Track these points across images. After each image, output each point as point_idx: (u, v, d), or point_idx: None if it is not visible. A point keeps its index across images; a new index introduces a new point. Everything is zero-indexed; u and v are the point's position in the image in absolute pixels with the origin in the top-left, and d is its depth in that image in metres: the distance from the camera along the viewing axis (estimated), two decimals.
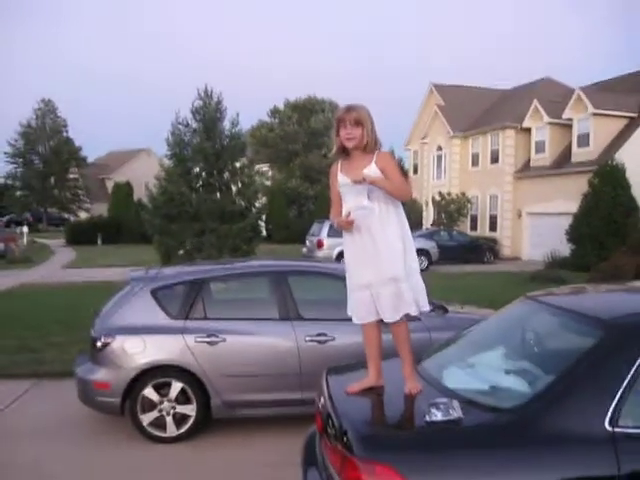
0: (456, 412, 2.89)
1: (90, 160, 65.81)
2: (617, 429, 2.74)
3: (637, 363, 2.84)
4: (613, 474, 2.68)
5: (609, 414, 2.76)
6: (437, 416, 2.88)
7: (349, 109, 3.67)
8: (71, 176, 61.35)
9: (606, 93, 28.71)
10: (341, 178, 3.75)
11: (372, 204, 3.63)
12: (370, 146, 3.68)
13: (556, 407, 2.82)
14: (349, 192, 3.72)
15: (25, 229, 39.54)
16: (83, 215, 57.69)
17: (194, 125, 18.78)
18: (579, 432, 2.76)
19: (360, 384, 3.57)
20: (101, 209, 52.77)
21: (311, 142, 53.46)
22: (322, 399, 3.67)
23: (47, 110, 60.97)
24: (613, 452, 2.70)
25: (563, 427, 2.77)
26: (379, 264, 3.60)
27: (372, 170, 3.62)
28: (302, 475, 3.70)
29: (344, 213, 3.72)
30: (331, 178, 3.86)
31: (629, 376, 2.82)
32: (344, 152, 3.76)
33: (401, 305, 3.62)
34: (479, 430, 2.87)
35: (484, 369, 3.41)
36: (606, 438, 2.73)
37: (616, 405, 2.77)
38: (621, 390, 2.80)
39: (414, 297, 3.68)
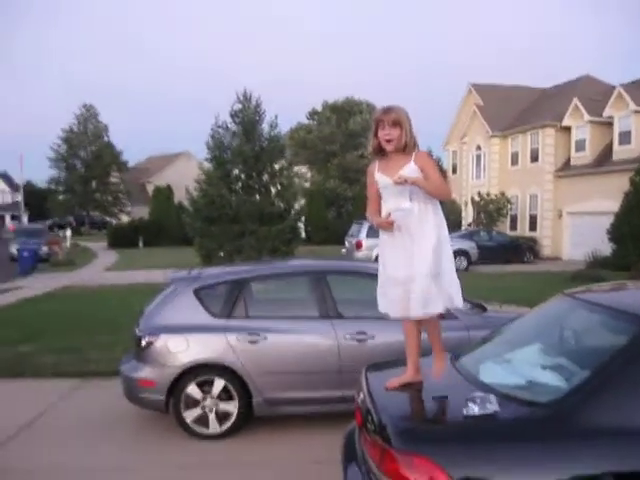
0: (493, 406, 2.95)
1: (131, 164, 66.98)
2: None
3: None
4: None
5: None
6: (474, 410, 2.95)
7: (388, 110, 3.72)
8: (112, 180, 62.44)
9: None
10: (380, 177, 3.81)
11: (412, 205, 3.69)
12: (409, 147, 3.72)
13: (592, 402, 2.86)
14: (389, 192, 3.79)
15: (68, 232, 40.37)
16: (124, 218, 58.64)
17: (233, 128, 19.09)
18: (615, 427, 2.80)
19: (399, 379, 3.66)
20: (142, 212, 53.56)
21: (349, 143, 53.63)
22: (362, 395, 3.76)
23: (89, 115, 62.18)
24: None
25: (599, 422, 2.81)
26: (413, 261, 3.67)
27: (411, 169, 3.68)
28: (343, 470, 3.79)
29: (384, 214, 3.79)
30: (368, 177, 3.92)
31: None
32: (381, 152, 3.80)
33: (429, 303, 3.68)
34: (515, 424, 2.93)
35: (521, 364, 3.45)
36: None
37: None
38: None
39: (445, 295, 3.75)
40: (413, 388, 3.61)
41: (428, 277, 3.65)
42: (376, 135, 3.75)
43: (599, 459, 2.76)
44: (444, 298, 3.73)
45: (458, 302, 3.82)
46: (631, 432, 2.79)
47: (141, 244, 41.08)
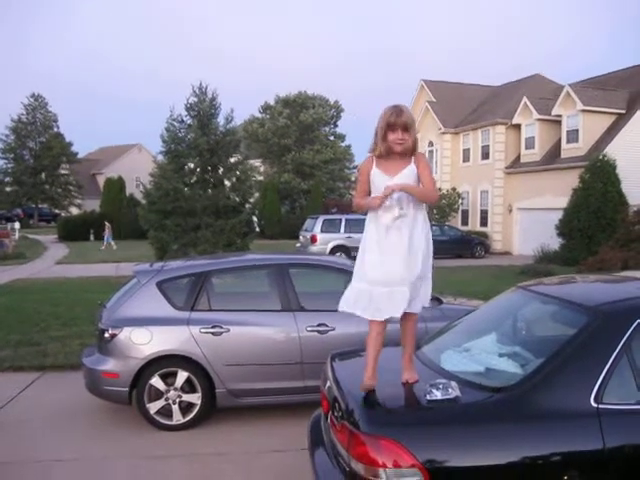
0: (454, 391, 3.15)
1: (81, 155, 65.74)
2: (602, 405, 3.00)
3: (619, 345, 3.11)
4: (598, 447, 2.94)
5: (594, 392, 3.02)
6: (437, 395, 3.14)
7: (400, 113, 3.63)
8: (62, 171, 61.20)
9: (595, 90, 29.03)
10: (378, 176, 3.72)
11: (407, 210, 3.69)
12: (413, 149, 3.72)
13: (545, 386, 3.07)
14: (382, 187, 3.70)
15: (17, 225, 39.60)
16: (75, 211, 57.66)
17: (189, 121, 18.96)
18: (567, 408, 3.02)
19: (363, 386, 3.53)
20: (93, 204, 52.76)
21: (303, 137, 53.77)
22: (328, 382, 3.92)
23: (37, 105, 60.83)
24: (598, 427, 2.96)
25: (552, 404, 3.03)
26: (406, 264, 3.65)
27: (411, 171, 3.68)
28: (310, 455, 3.94)
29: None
30: (361, 175, 3.83)
31: (612, 357, 3.09)
32: (387, 155, 3.71)
33: (414, 303, 3.74)
34: (475, 407, 3.12)
35: (479, 353, 3.66)
36: (592, 414, 2.98)
37: (601, 383, 3.03)
38: (605, 370, 3.06)
39: (426, 296, 3.87)
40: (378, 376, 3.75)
41: (419, 279, 3.72)
42: (385, 137, 3.64)
43: (553, 439, 2.97)
44: (425, 298, 3.85)
45: (428, 300, 3.93)
46: (580, 414, 3.01)
47: (92, 237, 40.45)
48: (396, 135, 3.61)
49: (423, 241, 3.76)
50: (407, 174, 3.67)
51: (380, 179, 3.71)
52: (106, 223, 36.31)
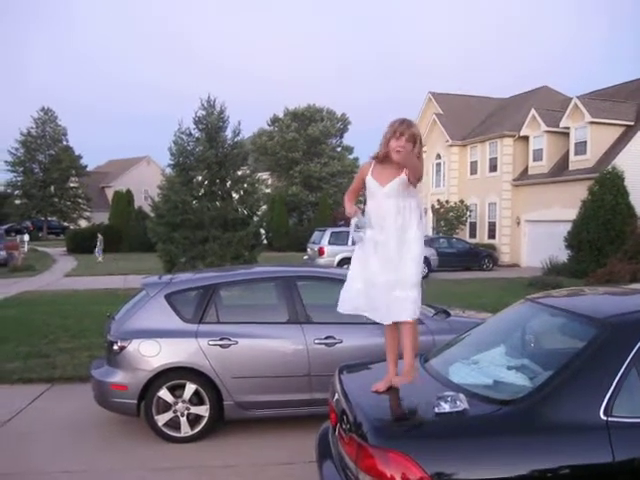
0: (462, 404, 3.14)
1: (90, 168, 66.06)
2: (611, 418, 2.99)
3: (629, 358, 3.10)
4: (608, 461, 2.93)
5: (604, 405, 3.00)
6: (445, 408, 3.13)
7: (409, 125, 3.81)
8: (71, 184, 61.52)
9: (603, 102, 29.04)
10: (370, 182, 3.92)
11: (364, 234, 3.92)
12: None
13: (554, 399, 3.06)
14: (374, 195, 3.92)
15: (26, 237, 39.76)
16: (83, 223, 57.90)
17: (197, 134, 19.06)
18: (576, 421, 3.01)
19: (384, 382, 3.75)
20: (101, 217, 52.99)
21: (310, 150, 53.89)
22: (336, 395, 3.92)
23: (47, 119, 61.16)
24: (608, 440, 2.95)
25: (561, 417, 3.02)
26: (402, 268, 3.79)
27: (399, 182, 3.81)
28: (318, 468, 3.93)
29: (371, 212, 3.92)
30: (359, 174, 4.04)
31: (621, 370, 3.07)
32: (384, 160, 3.87)
33: (413, 309, 3.80)
34: (483, 420, 3.12)
35: (487, 365, 3.65)
36: (601, 427, 2.97)
37: (610, 396, 3.02)
38: (614, 383, 3.05)
39: (419, 302, 3.90)
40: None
41: (415, 285, 3.79)
42: (388, 143, 3.80)
43: (560, 452, 2.96)
44: (418, 305, 3.87)
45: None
46: (589, 427, 2.99)
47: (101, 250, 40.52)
48: (399, 142, 3.75)
49: (418, 247, 3.86)
50: (394, 185, 3.83)
51: (373, 185, 3.92)
52: (98, 235, 36.46)
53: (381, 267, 3.85)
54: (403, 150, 3.72)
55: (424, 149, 4.11)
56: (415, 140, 3.79)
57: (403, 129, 3.77)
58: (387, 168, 3.88)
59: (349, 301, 4.05)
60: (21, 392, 7.89)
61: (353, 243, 4.07)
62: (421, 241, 3.90)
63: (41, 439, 6.31)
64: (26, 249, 36.06)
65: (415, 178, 3.82)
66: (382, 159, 3.89)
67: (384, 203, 3.86)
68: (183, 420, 6.11)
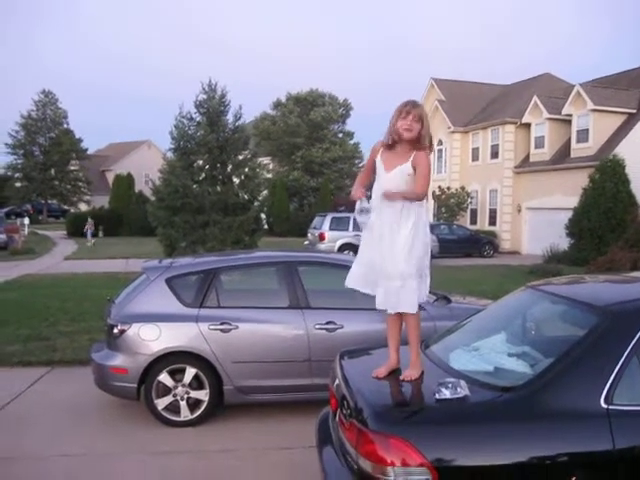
0: (463, 390, 3.14)
1: (90, 152, 65.93)
2: (612, 406, 2.98)
3: (630, 346, 3.09)
4: (608, 448, 2.93)
5: (604, 392, 3.00)
6: (446, 394, 3.13)
7: (415, 104, 3.86)
8: (71, 168, 61.39)
9: (605, 89, 28.93)
10: (378, 163, 3.96)
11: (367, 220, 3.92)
12: (420, 144, 3.84)
13: (554, 386, 3.06)
14: (380, 176, 3.95)
15: (26, 220, 39.76)
16: (83, 207, 57.87)
17: (198, 118, 18.99)
18: (576, 409, 3.00)
19: (386, 367, 3.78)
20: (102, 201, 52.99)
21: (312, 135, 53.77)
22: (336, 380, 3.92)
23: (47, 101, 60.97)
24: (608, 428, 2.95)
25: (561, 404, 3.01)
26: (390, 258, 3.79)
27: (403, 170, 3.82)
28: (318, 453, 3.94)
29: (374, 194, 3.94)
30: (372, 152, 4.07)
31: (622, 358, 3.07)
32: (392, 143, 3.90)
33: (414, 299, 3.81)
34: (484, 406, 3.12)
35: (488, 352, 3.65)
36: (602, 414, 2.97)
37: (611, 384, 3.01)
38: (615, 370, 3.04)
39: (424, 291, 3.91)
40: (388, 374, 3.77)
41: (412, 275, 3.78)
42: (395, 125, 3.83)
43: (560, 439, 2.96)
44: (422, 293, 3.88)
45: (424, 297, 3.99)
46: (590, 415, 2.99)
47: (101, 233, 40.57)
48: (406, 121, 3.79)
49: (410, 238, 3.83)
50: (397, 173, 3.86)
51: (380, 168, 3.96)
52: (89, 219, 36.52)
53: (379, 253, 3.85)
54: (411, 128, 3.78)
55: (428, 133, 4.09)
56: (422, 119, 3.82)
57: (409, 109, 3.81)
58: (396, 153, 3.90)
59: (353, 278, 4.08)
60: (21, 375, 7.91)
61: (355, 228, 4.08)
62: (420, 229, 3.87)
63: (40, 422, 6.32)
64: (26, 232, 36.06)
65: (415, 198, 3.84)
66: (392, 142, 3.90)
67: (386, 187, 3.87)
68: (183, 404, 6.12)
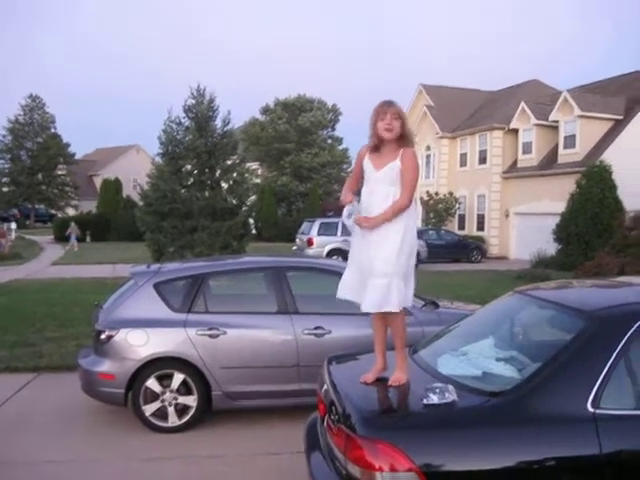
0: (451, 395, 3.14)
1: (78, 156, 65.71)
2: (599, 410, 3.00)
3: (616, 350, 3.11)
4: (595, 452, 2.94)
5: (591, 397, 3.01)
6: (434, 399, 3.13)
7: (390, 103, 3.87)
8: (59, 172, 61.16)
9: (592, 95, 29.14)
10: (367, 165, 3.96)
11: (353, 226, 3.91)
12: (404, 141, 3.87)
13: (542, 391, 3.07)
14: (370, 178, 3.94)
15: (13, 225, 39.52)
16: (71, 212, 57.57)
17: (186, 123, 19.00)
18: (564, 413, 3.02)
19: (373, 373, 3.77)
20: (89, 206, 52.72)
21: (301, 140, 53.82)
22: (325, 386, 3.92)
23: (35, 106, 60.77)
24: (595, 432, 2.96)
25: (549, 409, 3.02)
26: (378, 257, 3.77)
27: (392, 168, 3.82)
28: (306, 458, 3.93)
29: (363, 197, 3.94)
30: (357, 158, 4.09)
31: (609, 362, 3.08)
32: (377, 145, 3.91)
33: (398, 299, 3.76)
34: (472, 411, 3.12)
35: (476, 357, 3.66)
36: (589, 419, 2.98)
37: (598, 389, 3.03)
38: (602, 375, 3.05)
39: (408, 293, 3.90)
40: (376, 379, 3.77)
41: (397, 273, 3.76)
42: (375, 127, 3.86)
43: (548, 444, 2.97)
44: (404, 296, 3.85)
45: (410, 301, 3.98)
46: (577, 419, 3.01)
47: (88, 238, 40.40)
48: (385, 121, 3.81)
49: (408, 236, 3.85)
50: (387, 171, 3.85)
51: (368, 169, 3.95)
52: (71, 224, 36.40)
53: (367, 253, 3.84)
54: (391, 127, 3.80)
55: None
56: (400, 116, 3.84)
57: (385, 108, 3.83)
58: (383, 152, 3.91)
59: (341, 287, 4.06)
60: (7, 381, 7.85)
61: (344, 233, 4.07)
62: (409, 230, 3.86)
63: (27, 428, 6.27)
64: (13, 237, 35.81)
65: (400, 211, 3.84)
66: (378, 143, 3.91)
67: (375, 188, 3.88)
68: (171, 410, 6.09)
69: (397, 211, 3.80)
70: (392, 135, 3.82)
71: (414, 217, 3.95)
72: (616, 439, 2.99)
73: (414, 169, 3.88)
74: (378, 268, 3.75)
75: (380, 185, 3.86)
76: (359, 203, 3.94)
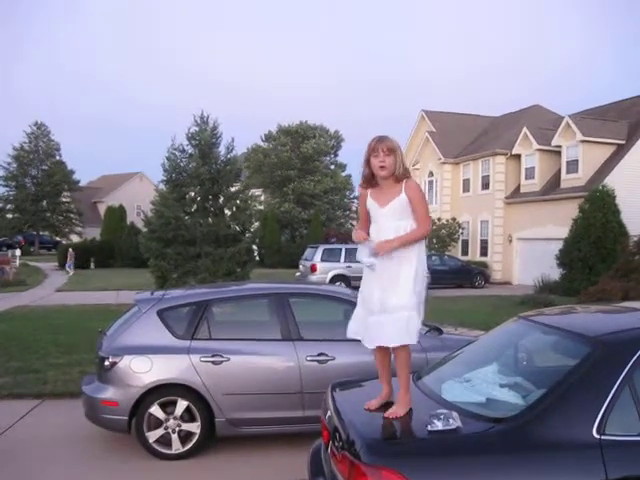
0: (455, 422, 3.13)
1: (82, 184, 65.98)
2: (604, 437, 2.98)
3: (621, 376, 3.10)
4: (601, 478, 2.92)
5: (596, 423, 3.00)
6: (438, 426, 3.13)
7: (381, 139, 3.83)
8: (63, 199, 61.38)
9: (594, 120, 29.25)
10: (371, 204, 3.93)
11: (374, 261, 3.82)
12: (400, 175, 3.82)
13: (547, 417, 3.06)
14: (378, 215, 3.90)
15: (18, 252, 39.58)
16: (75, 239, 57.68)
17: (190, 150, 19.07)
18: (569, 440, 3.00)
19: (378, 400, 3.76)
20: (93, 232, 52.87)
21: (304, 167, 54.05)
22: (328, 412, 3.90)
23: (40, 133, 61.12)
24: (600, 458, 2.94)
25: (554, 435, 3.01)
26: (400, 290, 3.73)
27: (401, 200, 3.80)
28: None
29: (372, 235, 3.89)
30: (360, 200, 4.06)
31: (614, 388, 3.08)
32: (373, 181, 3.90)
33: (410, 333, 3.73)
34: (476, 438, 3.11)
35: (480, 383, 3.65)
36: (594, 445, 2.97)
37: (603, 415, 3.02)
38: (607, 401, 3.05)
39: (418, 326, 3.85)
40: (380, 406, 3.76)
41: (407, 309, 3.71)
42: (368, 164, 3.84)
43: (553, 470, 2.95)
44: (411, 328, 3.76)
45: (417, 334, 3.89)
46: (582, 446, 2.99)
47: (92, 265, 40.49)
48: (379, 159, 3.78)
49: (412, 269, 3.80)
50: (396, 206, 3.82)
51: (373, 208, 3.92)
52: (69, 250, 36.63)
53: (380, 286, 3.80)
54: (385, 164, 3.77)
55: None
56: (393, 151, 3.79)
57: (377, 145, 3.80)
58: (384, 188, 3.88)
59: (350, 325, 4.04)
60: (10, 408, 7.83)
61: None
62: (417, 263, 3.82)
63: (30, 455, 6.25)
64: (17, 264, 35.87)
65: (419, 238, 3.84)
66: (370, 179, 3.90)
67: (384, 225, 3.85)
68: (174, 437, 6.07)
69: (416, 238, 3.80)
70: (386, 172, 3.79)
71: (424, 248, 3.93)
72: (622, 465, 2.97)
73: (423, 199, 3.88)
74: (394, 302, 3.71)
75: (388, 221, 3.84)
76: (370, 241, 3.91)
